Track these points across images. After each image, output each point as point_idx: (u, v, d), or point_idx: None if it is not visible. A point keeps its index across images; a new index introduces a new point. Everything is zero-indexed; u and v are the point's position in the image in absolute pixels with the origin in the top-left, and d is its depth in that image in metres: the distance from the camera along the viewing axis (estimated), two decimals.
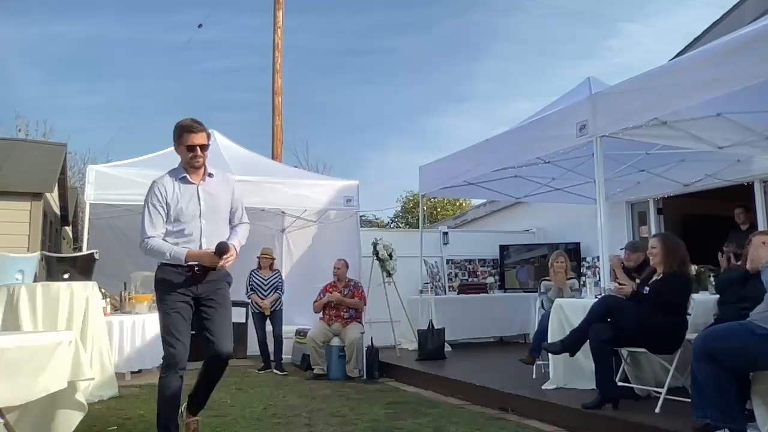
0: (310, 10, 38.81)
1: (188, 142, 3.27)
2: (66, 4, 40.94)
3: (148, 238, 3.21)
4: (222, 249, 3.15)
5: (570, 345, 4.21)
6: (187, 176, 3.33)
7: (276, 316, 7.04)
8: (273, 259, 7.40)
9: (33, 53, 37.85)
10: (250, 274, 7.16)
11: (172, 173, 3.36)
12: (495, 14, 43.52)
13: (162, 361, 3.26)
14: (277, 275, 7.27)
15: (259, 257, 7.24)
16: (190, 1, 39.06)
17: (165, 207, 3.25)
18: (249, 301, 7.15)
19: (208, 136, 3.38)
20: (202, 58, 44.17)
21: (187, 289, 3.26)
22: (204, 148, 3.32)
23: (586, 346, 4.14)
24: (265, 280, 7.14)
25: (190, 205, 3.28)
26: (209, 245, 3.23)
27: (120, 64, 40.72)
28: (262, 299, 7.01)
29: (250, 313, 7.37)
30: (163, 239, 3.25)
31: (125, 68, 41.43)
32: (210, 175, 3.41)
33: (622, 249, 5.63)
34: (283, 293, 7.17)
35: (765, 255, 3.42)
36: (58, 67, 39.53)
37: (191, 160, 3.30)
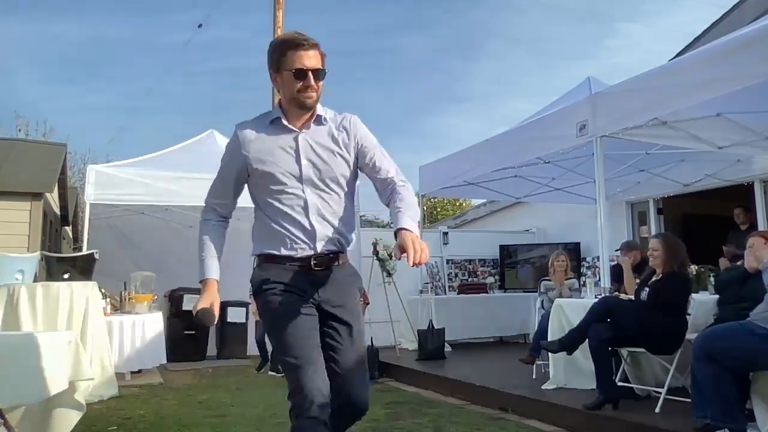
0: (310, 10, 38.83)
1: (296, 65, 2.05)
2: (66, 4, 40.96)
3: (205, 211, 2.26)
4: (205, 317, 2.06)
5: (568, 344, 4.21)
6: (282, 118, 2.12)
7: None
8: None
9: (33, 53, 37.87)
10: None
11: (262, 117, 2.20)
12: (495, 14, 43.55)
13: (288, 401, 1.98)
14: None
15: None
16: (190, 1, 39.08)
17: (239, 167, 2.15)
18: (251, 301, 6.92)
19: (323, 56, 2.15)
20: (202, 58, 44.22)
21: (305, 292, 2.10)
22: (318, 75, 2.10)
23: (586, 345, 4.14)
24: None
25: (283, 163, 2.09)
26: (323, 229, 2.11)
27: (120, 64, 40.78)
28: None
29: (250, 313, 7.09)
30: (263, 217, 2.22)
31: (125, 68, 41.48)
32: (319, 120, 2.16)
33: (617, 250, 5.62)
34: None
35: (765, 255, 3.42)
36: (58, 67, 39.56)
37: (300, 93, 2.07)
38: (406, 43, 43.58)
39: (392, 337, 7.44)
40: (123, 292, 6.62)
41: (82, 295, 4.96)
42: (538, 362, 5.41)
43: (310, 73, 2.07)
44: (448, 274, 9.46)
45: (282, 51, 2.07)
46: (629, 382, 4.35)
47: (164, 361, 6.75)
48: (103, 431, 4.05)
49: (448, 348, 7.31)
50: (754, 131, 5.04)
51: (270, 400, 5.15)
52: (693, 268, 4.98)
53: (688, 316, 4.12)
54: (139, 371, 6.37)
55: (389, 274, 7.41)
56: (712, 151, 5.30)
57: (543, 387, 4.80)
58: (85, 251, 6.00)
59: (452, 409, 4.81)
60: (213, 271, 2.16)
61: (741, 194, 7.09)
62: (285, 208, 2.11)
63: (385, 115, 43.12)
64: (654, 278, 4.21)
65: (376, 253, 7.41)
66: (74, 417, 3.08)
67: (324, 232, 2.10)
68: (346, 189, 2.19)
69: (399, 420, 4.35)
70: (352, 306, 2.18)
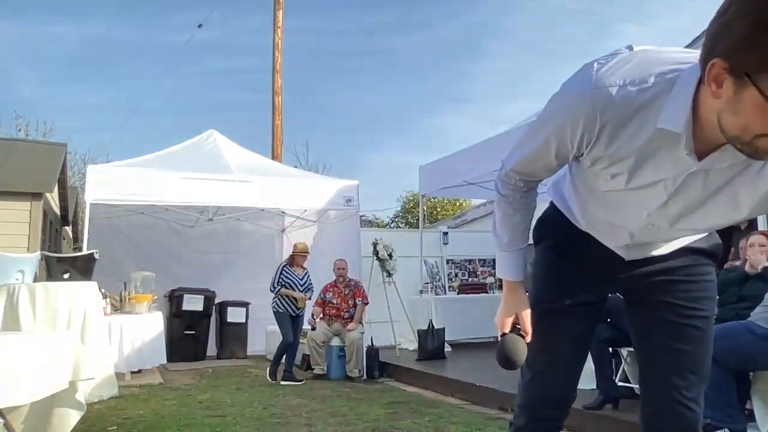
0: (310, 10, 38.85)
1: None
2: (66, 4, 40.95)
3: (503, 182, 1.50)
4: (515, 349, 1.51)
5: None
6: (691, 138, 1.12)
7: (300, 321, 6.53)
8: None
9: (33, 53, 37.86)
10: (282, 270, 6.54)
11: (653, 97, 1.13)
12: (494, 14, 43.54)
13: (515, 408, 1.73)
14: (307, 275, 6.76)
15: (295, 253, 6.69)
16: (190, 1, 39.07)
17: (577, 151, 1.29)
18: (278, 297, 6.41)
19: None
20: (202, 58, 44.23)
21: (605, 277, 1.58)
22: None
23: None
24: (300, 280, 6.59)
25: (655, 170, 1.23)
26: (649, 237, 1.44)
27: (120, 64, 40.76)
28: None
29: (274, 313, 6.50)
30: (571, 193, 1.52)
31: (125, 68, 41.45)
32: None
33: None
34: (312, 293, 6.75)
35: (761, 259, 3.43)
36: (58, 67, 39.55)
37: (760, 140, 1.00)
38: (406, 43, 43.61)
39: (392, 337, 7.45)
40: (123, 292, 6.62)
41: (82, 295, 4.96)
42: None
43: None
44: (448, 274, 9.46)
45: None
46: (629, 382, 4.35)
47: (164, 361, 6.75)
48: (103, 431, 4.05)
49: (448, 348, 7.31)
50: None
51: (270, 400, 5.16)
52: None
53: None
54: (139, 371, 6.37)
55: (389, 274, 7.42)
56: None
57: None
58: (85, 251, 5.99)
59: (452, 409, 4.81)
60: (518, 257, 1.55)
61: None
62: (614, 217, 1.50)
63: (384, 115, 43.14)
64: None
65: (376, 253, 7.42)
66: (74, 417, 3.08)
67: None
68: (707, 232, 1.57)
69: (399, 420, 4.36)
70: (704, 291, 1.56)
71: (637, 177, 1.26)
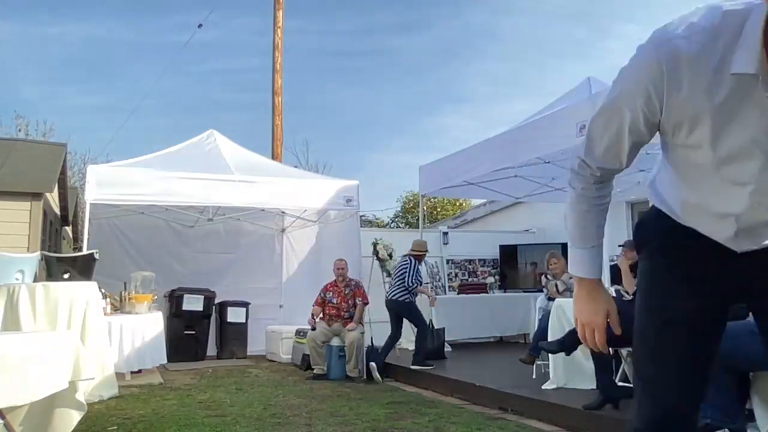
0: (310, 10, 38.83)
1: None
2: (66, 4, 40.94)
3: (577, 175, 1.39)
4: None
5: (568, 345, 4.22)
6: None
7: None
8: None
9: (33, 53, 37.84)
10: (417, 268, 6.75)
11: (727, 43, 1.05)
12: (494, 14, 43.53)
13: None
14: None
15: (424, 252, 6.94)
16: (190, 1, 39.05)
17: (651, 119, 1.21)
18: (411, 292, 6.69)
19: None
20: (202, 58, 44.19)
21: (718, 276, 1.37)
22: None
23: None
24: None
25: (742, 129, 1.11)
26: (758, 219, 1.26)
27: (120, 65, 40.71)
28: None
29: (407, 305, 6.68)
30: (671, 181, 1.39)
31: (125, 68, 41.41)
32: None
33: (620, 246, 5.63)
34: None
35: None
36: (58, 67, 39.52)
37: None
38: (406, 44, 43.60)
39: None
40: (123, 292, 6.62)
41: (82, 295, 4.96)
42: (538, 362, 5.41)
43: None
44: (448, 274, 9.46)
45: None
46: (629, 382, 4.35)
47: (164, 361, 6.75)
48: (103, 431, 4.06)
49: (448, 348, 7.31)
50: None
51: (270, 400, 5.16)
52: None
53: None
54: (139, 371, 6.37)
55: (389, 274, 7.42)
56: None
57: (543, 387, 4.80)
58: (85, 251, 5.99)
59: (452, 409, 4.81)
60: (597, 258, 1.43)
61: None
62: (719, 182, 1.29)
63: (384, 116, 43.13)
64: None
65: (376, 253, 7.43)
66: (75, 417, 3.08)
67: None
68: None
69: (399, 420, 4.36)
70: None
71: (724, 140, 1.13)
